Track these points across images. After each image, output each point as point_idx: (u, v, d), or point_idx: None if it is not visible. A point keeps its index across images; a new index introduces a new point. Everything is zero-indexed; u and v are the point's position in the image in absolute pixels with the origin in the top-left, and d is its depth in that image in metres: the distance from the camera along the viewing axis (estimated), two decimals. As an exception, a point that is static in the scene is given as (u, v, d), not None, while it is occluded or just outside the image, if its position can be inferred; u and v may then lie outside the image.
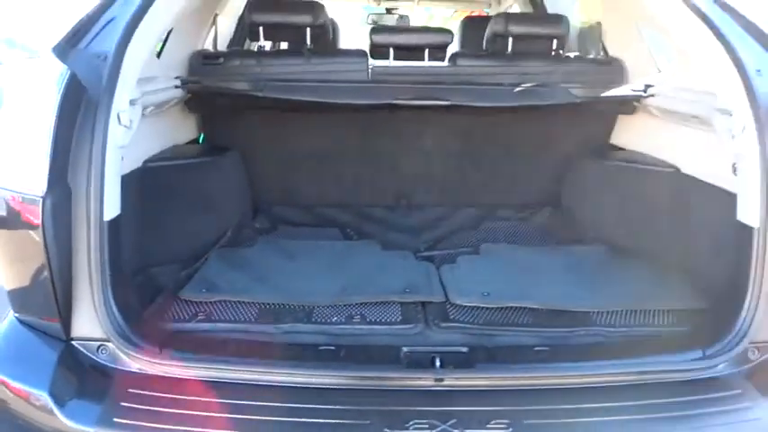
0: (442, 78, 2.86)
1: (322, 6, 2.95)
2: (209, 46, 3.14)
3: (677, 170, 2.47)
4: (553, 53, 2.95)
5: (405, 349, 1.78)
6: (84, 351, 1.71)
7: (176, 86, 2.49)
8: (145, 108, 2.22)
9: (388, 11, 5.60)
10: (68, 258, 1.67)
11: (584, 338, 1.91)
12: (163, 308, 1.99)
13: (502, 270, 2.35)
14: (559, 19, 2.94)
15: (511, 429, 1.52)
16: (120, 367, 1.69)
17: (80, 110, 1.69)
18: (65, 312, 1.69)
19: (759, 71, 1.83)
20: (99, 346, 1.70)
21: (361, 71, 2.84)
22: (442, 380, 1.64)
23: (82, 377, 1.68)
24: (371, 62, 2.90)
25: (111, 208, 1.73)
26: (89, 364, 1.70)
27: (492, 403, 1.61)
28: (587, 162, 2.88)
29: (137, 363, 1.68)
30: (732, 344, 1.75)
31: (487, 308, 2.04)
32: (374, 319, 1.96)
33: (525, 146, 3.12)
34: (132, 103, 1.84)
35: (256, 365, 1.67)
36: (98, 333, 1.69)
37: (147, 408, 1.56)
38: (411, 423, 1.53)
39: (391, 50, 2.96)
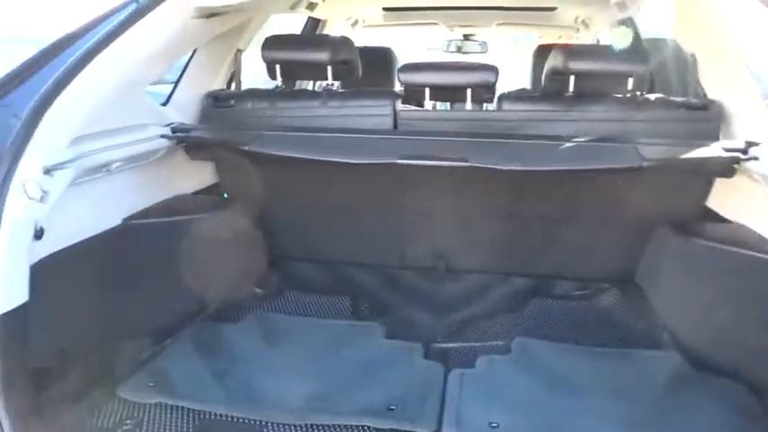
0: (479, 127, 2.36)
1: (345, 40, 2.56)
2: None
3: None
4: (628, 95, 2.34)
5: None
6: None
7: (162, 135, 2.20)
8: (108, 165, 1.94)
9: (466, 37, 5.13)
10: None
11: None
12: (91, 408, 1.66)
13: (530, 385, 1.80)
14: (636, 52, 2.34)
15: None
16: None
17: None
18: None
19: None
20: None
21: (386, 116, 2.41)
22: None
23: None
24: (400, 107, 2.46)
25: (9, 298, 1.43)
26: None
27: None
28: (670, 237, 2.23)
29: None
30: None
31: None
32: None
33: (591, 208, 2.51)
34: (53, 169, 1.53)
35: None
36: None
37: None
38: None
39: (427, 91, 2.50)
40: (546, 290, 2.55)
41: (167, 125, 2.26)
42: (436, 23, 4.56)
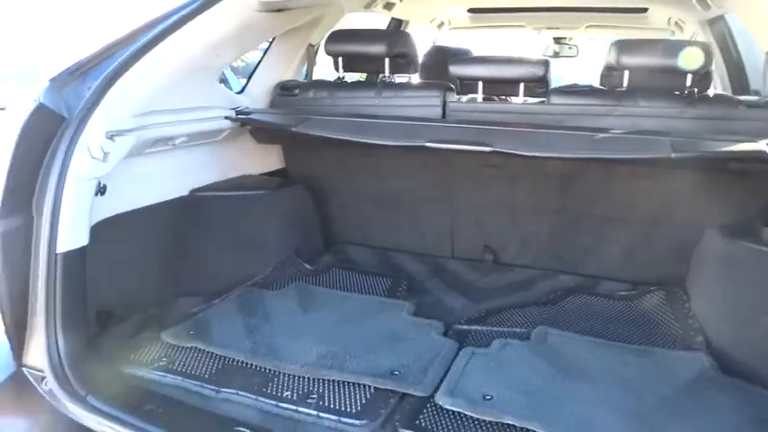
0: (526, 119, 2.38)
1: (402, 35, 2.69)
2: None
3: None
4: (686, 92, 2.26)
5: None
6: (31, 379, 1.69)
7: (226, 117, 2.45)
8: (173, 139, 2.21)
9: (557, 40, 5.06)
10: (23, 286, 1.67)
11: None
12: (136, 345, 1.91)
13: (537, 368, 1.81)
14: (692, 47, 2.25)
15: None
16: (53, 402, 1.64)
17: (54, 139, 1.69)
18: (17, 339, 1.70)
19: None
20: (43, 378, 1.67)
21: (435, 107, 2.51)
22: None
23: (18, 400, 1.66)
24: (449, 98, 2.54)
25: (70, 240, 1.70)
26: (31, 391, 1.68)
27: None
28: (714, 238, 2.12)
29: (65, 404, 1.61)
30: None
31: (474, 418, 1.56)
32: (329, 404, 1.63)
33: (645, 207, 2.44)
34: (116, 135, 1.80)
35: None
36: (40, 365, 1.67)
37: None
38: None
39: (479, 85, 2.56)
40: (590, 288, 2.50)
41: (233, 108, 2.51)
42: (523, 26, 4.56)
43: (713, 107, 2.20)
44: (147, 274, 2.21)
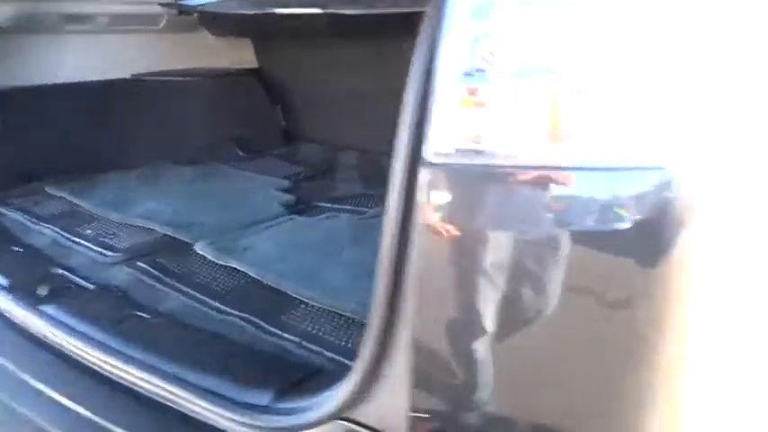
0: None
1: None
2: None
3: None
4: None
5: (52, 270, 1.54)
6: None
7: (160, 3, 2.57)
8: (92, 18, 2.40)
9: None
10: None
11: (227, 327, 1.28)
12: (27, 192, 2.14)
13: (329, 234, 1.73)
14: None
15: None
16: None
17: None
18: None
19: None
20: None
21: None
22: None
23: None
24: None
25: None
26: None
27: None
28: None
29: None
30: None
31: (206, 259, 1.56)
32: (108, 242, 1.72)
33: None
34: None
35: None
36: None
37: None
38: None
39: None
40: None
41: None
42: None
43: None
44: (77, 145, 2.42)
